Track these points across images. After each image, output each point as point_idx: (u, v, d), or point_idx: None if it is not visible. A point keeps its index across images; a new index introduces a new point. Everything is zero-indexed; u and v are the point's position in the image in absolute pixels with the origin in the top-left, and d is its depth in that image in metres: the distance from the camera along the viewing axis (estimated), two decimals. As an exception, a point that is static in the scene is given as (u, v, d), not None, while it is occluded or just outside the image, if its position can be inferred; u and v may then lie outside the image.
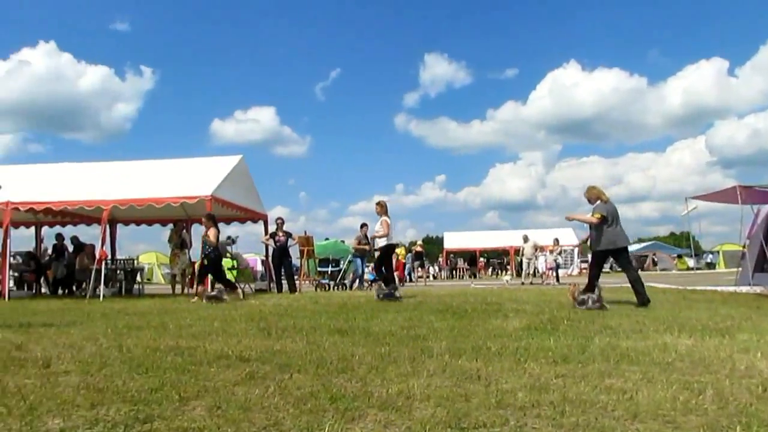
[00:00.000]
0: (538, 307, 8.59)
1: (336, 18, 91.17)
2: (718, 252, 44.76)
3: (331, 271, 18.69)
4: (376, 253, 11.95)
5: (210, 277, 12.19)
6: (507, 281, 21.88)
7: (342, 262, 18.91)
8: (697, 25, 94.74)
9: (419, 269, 27.16)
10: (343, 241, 21.13)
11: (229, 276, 17.81)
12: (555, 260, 22.42)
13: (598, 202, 9.24)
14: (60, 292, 16.48)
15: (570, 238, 36.30)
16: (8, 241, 14.02)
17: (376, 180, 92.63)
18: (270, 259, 16.30)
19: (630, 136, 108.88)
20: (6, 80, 67.77)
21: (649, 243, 52.73)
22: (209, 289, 11.48)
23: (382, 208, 11.70)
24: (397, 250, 20.73)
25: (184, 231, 16.55)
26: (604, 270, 11.66)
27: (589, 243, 9.41)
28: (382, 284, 11.25)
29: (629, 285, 9.00)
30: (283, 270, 15.28)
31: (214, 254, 12.10)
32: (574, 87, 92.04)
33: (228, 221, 17.58)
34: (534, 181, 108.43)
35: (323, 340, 5.28)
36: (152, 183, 14.52)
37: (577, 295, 8.39)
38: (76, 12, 79.02)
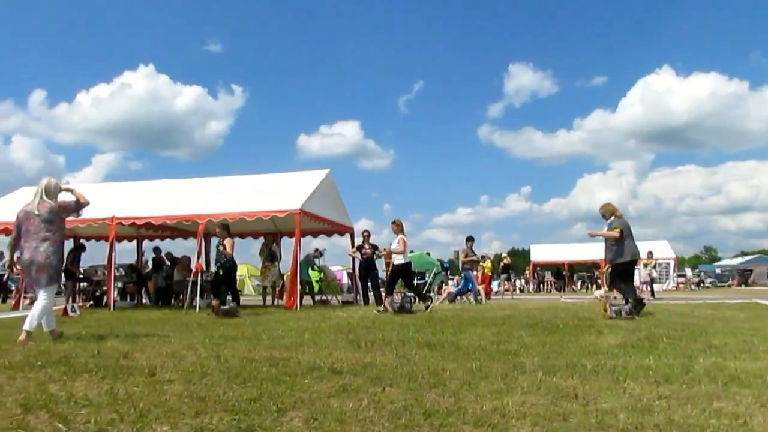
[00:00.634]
0: (633, 323, 8.25)
1: (419, 31, 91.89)
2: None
3: (417, 284, 18.66)
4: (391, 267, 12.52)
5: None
6: (600, 296, 21.09)
7: (427, 275, 18.85)
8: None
9: (506, 282, 26.74)
10: (428, 254, 21.03)
11: (316, 288, 18.25)
12: (649, 274, 21.47)
13: (613, 218, 9.89)
14: (159, 302, 17.30)
15: (665, 251, 34.72)
16: (113, 254, 14.86)
17: (460, 192, 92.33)
18: (356, 271, 16.49)
19: (729, 143, 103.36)
20: (110, 102, 72.45)
21: (754, 256, 49.59)
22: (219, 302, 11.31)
23: (399, 227, 12.28)
24: (483, 263, 20.48)
25: (274, 244, 17.02)
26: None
27: (607, 257, 9.93)
28: (395, 298, 11.72)
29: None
30: (369, 282, 15.40)
31: (229, 264, 11.89)
32: (668, 93, 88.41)
33: (315, 234, 17.95)
34: (625, 191, 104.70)
35: (412, 353, 5.28)
36: (244, 198, 15.03)
37: (609, 307, 8.91)
38: (173, 36, 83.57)
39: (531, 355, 5.11)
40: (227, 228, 12.17)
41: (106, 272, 15.48)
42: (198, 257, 14.42)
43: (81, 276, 17.05)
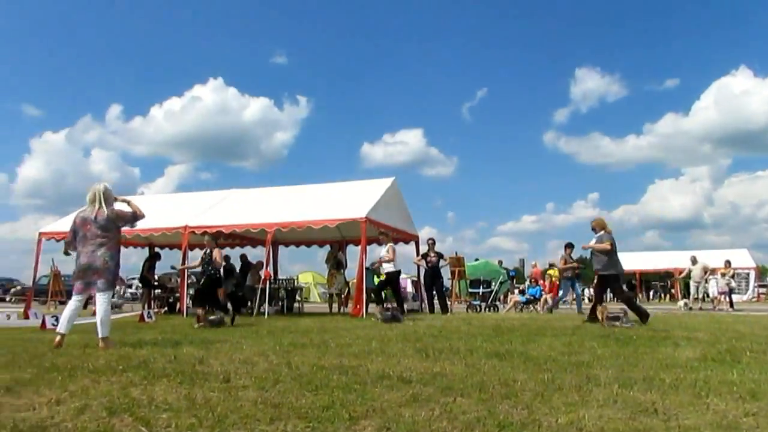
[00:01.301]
0: (713, 335, 7.91)
1: (481, 37, 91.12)
2: None
3: (483, 293, 18.48)
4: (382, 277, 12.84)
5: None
6: (683, 306, 20.30)
7: (494, 283, 18.64)
8: None
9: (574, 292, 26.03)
10: (500, 262, 20.75)
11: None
12: (727, 284, 20.51)
13: (603, 232, 10.50)
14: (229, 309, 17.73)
15: (745, 259, 33.04)
16: (186, 262, 15.36)
17: (525, 199, 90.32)
18: (421, 279, 16.46)
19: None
20: (181, 115, 74.92)
21: None
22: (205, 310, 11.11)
23: (388, 237, 12.79)
24: (550, 272, 20.06)
25: (340, 252, 17.19)
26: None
27: (595, 268, 10.57)
28: (390, 306, 11.99)
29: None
30: (435, 291, 15.34)
31: (217, 276, 11.68)
32: (745, 95, 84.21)
33: (380, 242, 18.01)
34: (699, 197, 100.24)
35: (481, 363, 5.22)
36: (310, 206, 15.26)
37: (606, 316, 9.39)
38: (241, 49, 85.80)
39: (605, 366, 4.97)
40: (216, 239, 12.09)
41: (179, 279, 16.02)
42: (266, 265, 14.72)
43: (156, 283, 17.70)
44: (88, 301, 8.15)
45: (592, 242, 10.59)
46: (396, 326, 10.05)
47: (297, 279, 19.96)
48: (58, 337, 6.60)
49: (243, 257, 17.90)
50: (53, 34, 78.49)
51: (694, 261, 21.08)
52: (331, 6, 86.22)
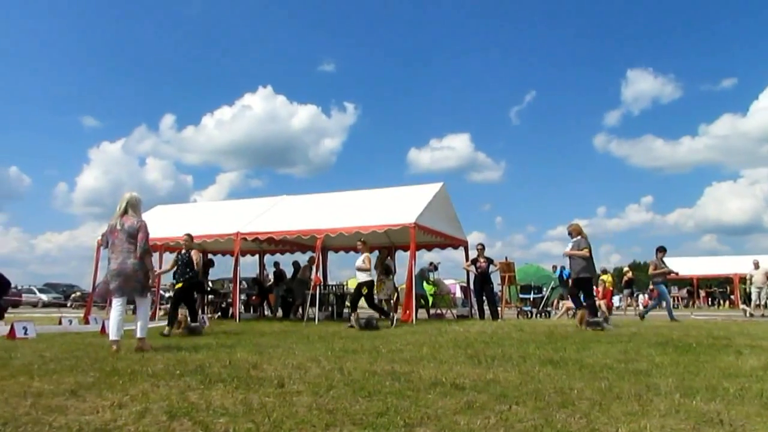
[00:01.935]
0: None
1: (529, 41, 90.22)
2: None
3: (534, 298, 18.23)
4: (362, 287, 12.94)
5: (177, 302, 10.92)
6: (748, 310, 19.54)
7: (545, 289, 18.36)
8: None
9: (628, 298, 25.47)
10: (557, 267, 20.37)
11: (430, 301, 18.26)
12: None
13: (579, 237, 11.05)
14: (279, 314, 17.97)
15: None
16: (238, 268, 15.62)
17: (575, 203, 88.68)
18: (471, 285, 16.32)
19: None
20: (232, 124, 76.67)
21: None
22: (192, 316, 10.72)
23: (365, 246, 12.90)
24: (604, 277, 19.63)
25: (389, 258, 17.19)
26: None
27: (572, 270, 11.18)
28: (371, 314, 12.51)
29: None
30: (485, 296, 15.20)
31: (195, 279, 11.34)
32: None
33: (429, 248, 17.94)
34: (760, 200, 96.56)
35: (535, 370, 5.15)
36: (359, 212, 15.32)
37: (585, 319, 10.07)
38: (290, 58, 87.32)
39: (664, 375, 4.83)
40: (192, 239, 11.61)
41: (231, 285, 16.32)
42: (316, 271, 14.83)
43: (209, 289, 18.07)
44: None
45: (569, 247, 11.15)
46: (447, 332, 9.99)
47: (346, 284, 20.06)
48: (114, 346, 6.78)
49: (296, 264, 18.05)
50: (109, 49, 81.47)
51: (756, 265, 20.27)
52: (377, 12, 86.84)
